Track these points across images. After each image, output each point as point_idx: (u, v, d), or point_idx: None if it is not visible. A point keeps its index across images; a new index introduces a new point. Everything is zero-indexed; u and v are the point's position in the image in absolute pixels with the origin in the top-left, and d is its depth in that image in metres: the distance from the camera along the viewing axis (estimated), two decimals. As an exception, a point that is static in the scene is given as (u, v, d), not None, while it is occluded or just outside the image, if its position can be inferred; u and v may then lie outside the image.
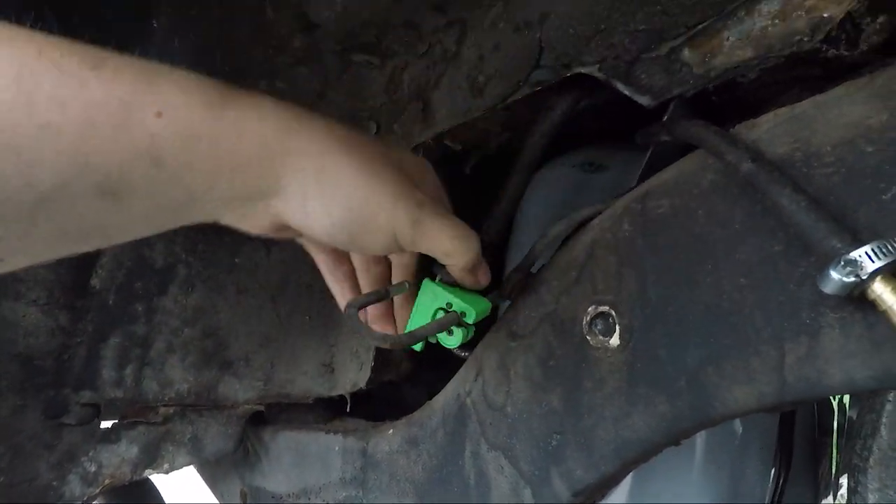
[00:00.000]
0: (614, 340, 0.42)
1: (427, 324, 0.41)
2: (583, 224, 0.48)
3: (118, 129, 0.28)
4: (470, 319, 0.43)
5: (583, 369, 0.44)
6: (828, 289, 0.29)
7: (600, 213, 0.47)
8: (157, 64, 0.31)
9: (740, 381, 0.35)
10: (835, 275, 0.28)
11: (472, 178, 0.80)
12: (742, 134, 0.37)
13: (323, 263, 0.47)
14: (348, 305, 0.37)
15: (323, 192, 0.34)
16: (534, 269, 0.51)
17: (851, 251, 0.28)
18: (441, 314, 0.43)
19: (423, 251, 0.40)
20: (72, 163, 0.27)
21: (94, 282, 0.65)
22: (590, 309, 0.44)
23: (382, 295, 0.42)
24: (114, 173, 0.28)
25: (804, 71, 0.43)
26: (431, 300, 0.44)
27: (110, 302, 0.64)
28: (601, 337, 0.43)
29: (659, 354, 0.39)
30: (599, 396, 0.43)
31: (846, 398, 0.90)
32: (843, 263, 0.27)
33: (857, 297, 0.29)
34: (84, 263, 0.64)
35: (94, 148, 0.27)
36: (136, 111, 0.28)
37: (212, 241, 0.68)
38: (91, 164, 0.27)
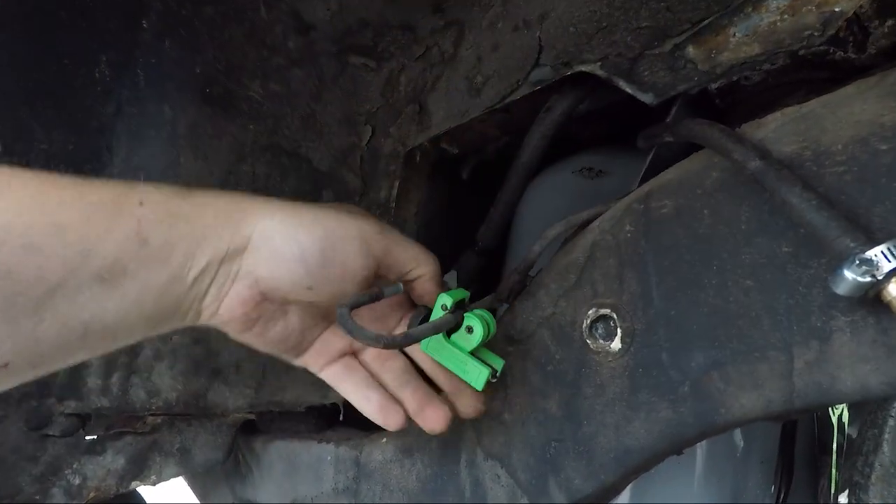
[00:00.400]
0: (615, 344, 0.41)
1: (424, 325, 0.39)
2: (582, 226, 0.47)
3: (111, 218, 0.33)
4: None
5: (582, 374, 0.42)
6: (841, 289, 0.27)
7: (600, 214, 0.46)
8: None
9: (747, 387, 0.34)
10: (849, 274, 0.27)
11: (469, 185, 0.79)
12: (748, 133, 0.36)
13: (337, 379, 0.46)
14: (339, 305, 0.36)
15: (285, 228, 0.38)
16: (532, 273, 0.49)
17: (867, 250, 0.27)
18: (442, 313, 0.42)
19: (393, 260, 0.41)
20: (77, 252, 0.32)
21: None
22: (590, 312, 0.43)
23: (377, 295, 0.40)
24: (110, 256, 0.33)
25: (810, 73, 0.43)
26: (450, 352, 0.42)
27: (97, 307, 0.62)
28: (602, 341, 0.42)
29: (662, 359, 0.38)
30: (600, 403, 0.41)
31: (846, 416, 0.89)
32: (857, 263, 0.26)
33: (871, 300, 0.28)
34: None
35: (94, 237, 0.32)
36: (124, 203, 0.34)
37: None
38: (92, 252, 0.32)
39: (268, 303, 0.39)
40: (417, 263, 0.42)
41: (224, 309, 0.38)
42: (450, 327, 0.42)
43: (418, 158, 0.69)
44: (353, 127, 0.71)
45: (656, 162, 0.53)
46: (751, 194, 0.35)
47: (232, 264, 0.37)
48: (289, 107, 0.68)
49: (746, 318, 0.34)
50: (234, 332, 0.41)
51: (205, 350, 0.64)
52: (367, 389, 0.44)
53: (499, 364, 0.43)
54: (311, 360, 0.45)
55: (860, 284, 0.26)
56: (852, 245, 0.27)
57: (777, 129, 0.35)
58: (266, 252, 0.37)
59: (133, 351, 0.62)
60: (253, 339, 0.42)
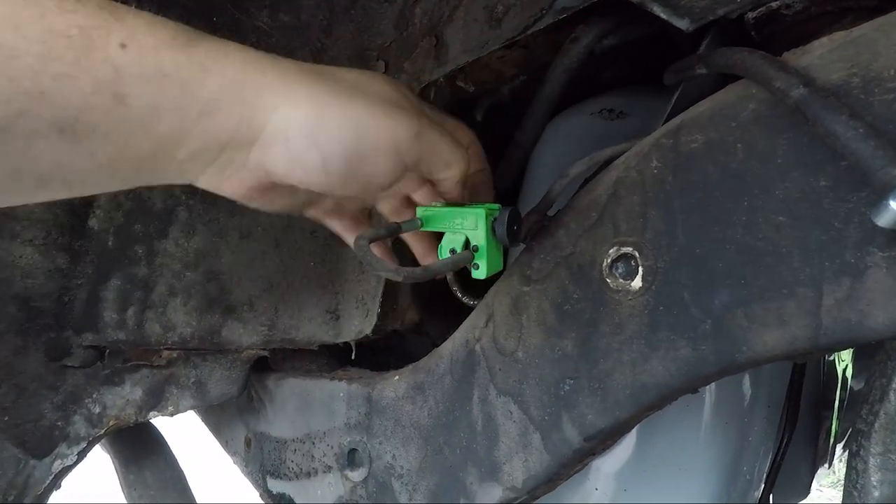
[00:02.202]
0: (636, 283, 0.40)
1: (442, 259, 0.39)
2: (606, 164, 0.45)
3: (78, 58, 0.26)
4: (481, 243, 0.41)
5: (601, 313, 0.42)
6: (882, 221, 0.26)
7: (624, 152, 0.44)
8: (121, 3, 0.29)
9: (771, 324, 0.34)
10: (894, 204, 0.25)
11: (483, 126, 0.76)
12: (792, 60, 0.34)
13: (346, 231, 0.44)
14: (358, 237, 0.35)
15: (306, 128, 0.31)
16: (551, 212, 0.48)
17: (914, 179, 0.25)
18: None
19: (424, 165, 0.37)
20: (28, 91, 0.25)
21: (92, 223, 0.62)
22: (611, 251, 0.42)
23: (394, 230, 0.39)
24: (72, 107, 0.26)
25: (858, 0, 0.40)
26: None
27: (109, 244, 0.62)
28: (622, 280, 0.41)
29: (684, 297, 0.38)
30: (617, 341, 0.41)
31: (849, 371, 0.89)
32: (905, 192, 0.25)
33: (914, 233, 0.27)
34: (80, 203, 0.62)
35: (52, 77, 0.25)
36: (99, 40, 0.26)
37: (213, 182, 0.65)
38: (48, 96, 0.25)
39: (279, 187, 0.36)
40: (447, 166, 0.39)
41: (225, 187, 0.34)
42: (469, 262, 0.41)
43: (433, 96, 0.67)
44: (364, 62, 0.68)
45: (683, 99, 0.51)
46: (790, 127, 0.33)
47: (236, 153, 0.32)
48: (298, 40, 0.65)
49: (776, 255, 0.33)
50: (235, 199, 0.37)
51: (218, 287, 0.64)
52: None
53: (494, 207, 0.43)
54: (319, 214, 0.44)
55: (905, 215, 0.25)
56: (900, 174, 0.26)
57: (823, 55, 0.33)
58: (281, 152, 0.32)
59: (147, 286, 0.62)
60: (257, 206, 0.38)
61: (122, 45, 0.27)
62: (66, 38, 0.25)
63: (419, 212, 0.43)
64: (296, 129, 0.31)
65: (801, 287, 0.32)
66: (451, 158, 0.38)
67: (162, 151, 0.30)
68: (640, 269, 0.40)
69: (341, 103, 0.32)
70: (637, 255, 0.40)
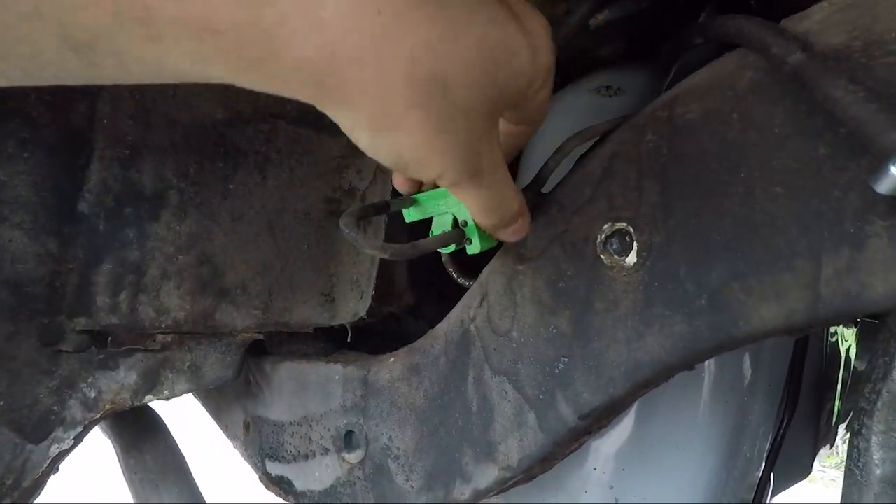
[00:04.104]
0: (631, 258, 0.39)
1: (432, 237, 0.38)
2: (601, 139, 0.44)
3: None
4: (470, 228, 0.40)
5: (595, 290, 0.41)
6: (883, 188, 0.25)
7: (619, 126, 0.43)
8: None
9: (769, 298, 0.33)
10: (895, 171, 0.24)
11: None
12: (790, 26, 0.33)
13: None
14: (345, 214, 0.34)
15: (376, 137, 0.27)
16: (545, 189, 0.47)
17: (916, 143, 0.24)
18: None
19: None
20: (34, 9, 0.20)
21: (82, 206, 0.61)
22: (605, 227, 0.41)
23: (382, 207, 0.38)
24: (82, 27, 0.21)
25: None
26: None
27: (100, 227, 0.61)
28: (616, 256, 0.40)
29: (679, 272, 0.37)
30: (612, 318, 0.40)
31: (853, 351, 0.89)
32: (906, 155, 0.24)
33: (915, 199, 0.26)
34: (68, 187, 0.61)
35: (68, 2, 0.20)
36: None
37: (203, 165, 0.65)
38: (62, 21, 0.21)
39: None
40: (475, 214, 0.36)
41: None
42: (459, 240, 0.40)
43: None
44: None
45: (682, 72, 0.50)
46: (787, 95, 0.32)
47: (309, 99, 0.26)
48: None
49: (773, 227, 0.32)
50: None
51: (211, 270, 0.63)
52: None
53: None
54: None
55: (907, 180, 0.24)
56: (901, 139, 0.25)
57: (823, 19, 0.32)
58: (354, 131, 0.27)
59: (139, 270, 0.62)
60: None
61: None
62: None
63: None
64: (367, 129, 0.26)
65: (799, 259, 0.31)
66: (481, 217, 0.35)
67: (203, 74, 0.24)
68: (635, 244, 0.39)
69: (412, 137, 0.27)
70: (632, 230, 0.39)
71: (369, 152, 0.28)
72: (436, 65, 0.24)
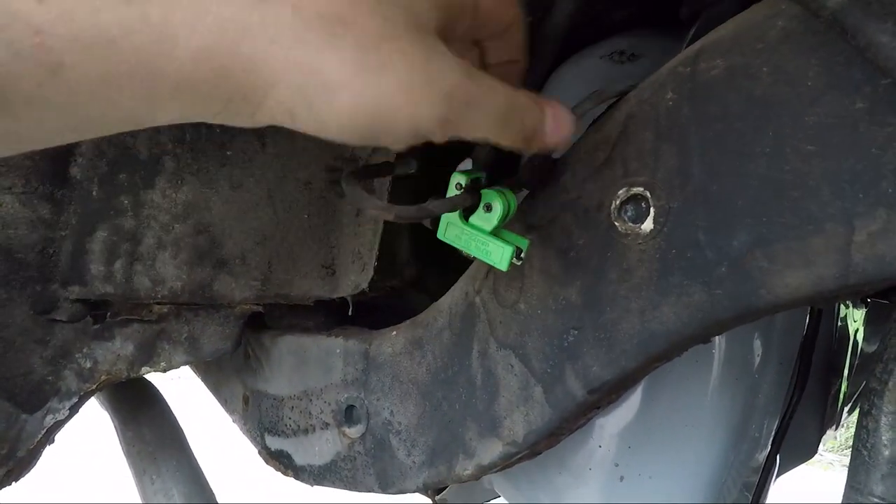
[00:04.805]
0: (647, 225, 0.37)
1: (440, 199, 0.36)
2: (617, 100, 0.42)
3: None
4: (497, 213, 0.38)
5: (608, 259, 0.39)
6: (932, 140, 0.23)
7: (636, 87, 0.41)
8: None
9: (795, 264, 0.31)
10: (947, 118, 0.22)
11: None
12: (827, -31, 0.30)
13: None
14: (346, 172, 0.32)
15: (317, 97, 0.24)
16: (556, 155, 0.45)
17: (973, 87, 0.22)
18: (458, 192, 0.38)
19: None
20: None
21: (74, 171, 0.60)
22: (620, 192, 0.39)
23: (385, 168, 0.37)
24: None
25: None
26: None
27: (94, 193, 0.59)
28: (631, 223, 0.38)
29: (698, 239, 0.35)
30: (625, 287, 0.38)
31: (860, 334, 0.87)
32: (963, 100, 0.22)
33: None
34: (60, 150, 0.59)
35: None
36: None
37: (200, 131, 0.62)
38: None
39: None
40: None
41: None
42: (467, 204, 0.38)
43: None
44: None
45: (703, 31, 0.47)
46: (824, 44, 0.30)
47: (241, 110, 0.25)
48: None
49: (803, 189, 0.30)
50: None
51: (208, 240, 0.62)
52: None
53: (523, 244, 0.40)
54: None
55: (960, 130, 0.22)
56: (955, 85, 0.23)
57: (866, -39, 0.29)
58: (300, 106, 0.24)
59: (134, 238, 0.60)
60: None
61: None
62: None
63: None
64: (313, 96, 0.24)
65: (830, 222, 0.29)
66: (491, 133, 0.29)
67: (130, 119, 0.24)
68: (652, 210, 0.37)
69: (355, 82, 0.24)
70: (648, 195, 0.37)
71: (331, 133, 0.25)
72: (320, 4, 0.22)
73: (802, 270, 0.31)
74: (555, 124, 0.32)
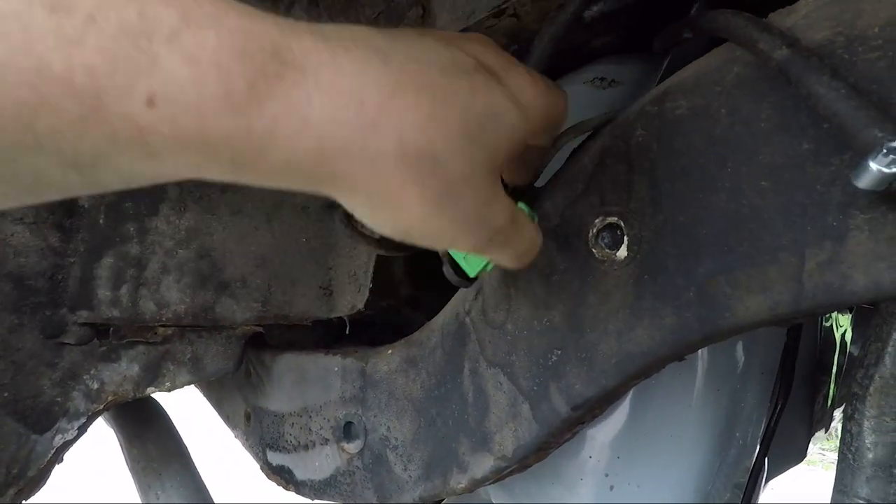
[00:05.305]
0: (621, 252, 0.40)
1: None
2: (593, 132, 0.45)
3: (83, 115, 0.20)
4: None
5: (587, 284, 0.42)
6: (863, 182, 0.26)
7: (611, 120, 0.43)
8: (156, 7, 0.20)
9: (754, 290, 0.34)
10: (874, 166, 0.25)
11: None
12: (777, 21, 0.33)
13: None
14: (341, 210, 0.35)
15: (384, 214, 0.27)
16: (539, 184, 0.48)
17: (895, 140, 0.25)
18: None
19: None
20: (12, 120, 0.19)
21: (83, 200, 0.62)
22: (596, 221, 0.42)
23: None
24: (81, 153, 0.21)
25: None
26: None
27: (101, 221, 0.62)
28: (608, 250, 0.41)
29: (668, 265, 0.37)
30: (603, 311, 0.41)
31: (848, 335, 0.89)
32: (885, 152, 0.25)
33: (894, 195, 0.27)
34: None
35: (45, 121, 0.19)
36: (112, 96, 0.20)
37: (202, 159, 0.65)
38: (41, 137, 0.20)
39: None
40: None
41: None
42: None
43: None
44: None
45: (672, 67, 0.50)
46: (773, 90, 0.33)
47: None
48: (281, 14, 0.64)
49: (759, 221, 0.33)
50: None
51: (210, 264, 0.64)
52: None
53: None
54: None
55: (885, 176, 0.25)
56: (880, 135, 0.26)
57: (808, 14, 0.32)
58: (363, 214, 0.29)
59: (140, 264, 0.62)
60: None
61: (150, 102, 0.20)
62: (62, 82, 0.19)
63: None
64: (373, 213, 0.27)
65: (783, 252, 0.32)
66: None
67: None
68: (626, 238, 0.40)
69: (410, 215, 0.27)
70: (622, 224, 0.40)
71: (377, 229, 0.28)
72: (423, 143, 0.25)
73: (761, 296, 0.33)
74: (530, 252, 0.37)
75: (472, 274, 0.40)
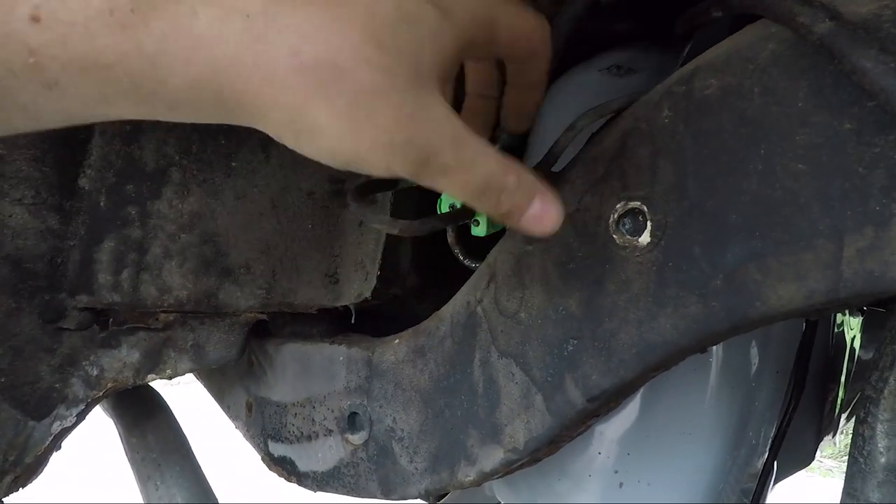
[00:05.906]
0: (644, 238, 0.38)
1: (441, 213, 0.37)
2: (614, 115, 0.43)
3: None
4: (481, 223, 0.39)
5: (606, 271, 0.40)
6: (914, 162, 0.24)
7: (634, 102, 0.42)
8: None
9: (787, 278, 0.32)
10: (928, 143, 0.23)
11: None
12: (816, -5, 0.32)
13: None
14: (352, 188, 0.33)
15: (302, 135, 0.25)
16: (556, 168, 0.46)
17: (952, 114, 0.23)
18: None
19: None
20: None
21: (83, 182, 0.61)
22: (618, 206, 0.40)
23: (391, 185, 0.38)
24: None
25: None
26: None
27: (101, 204, 0.61)
28: (629, 236, 0.39)
29: (693, 252, 0.36)
30: (623, 299, 0.39)
31: (857, 342, 0.88)
32: (941, 127, 0.23)
33: (946, 175, 0.25)
34: (69, 162, 0.60)
35: None
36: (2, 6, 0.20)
37: (206, 143, 0.63)
38: None
39: None
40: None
41: None
42: (468, 219, 0.40)
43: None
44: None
45: (697, 50, 0.48)
46: (812, 67, 0.31)
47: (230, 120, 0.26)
48: None
49: (794, 206, 0.32)
50: None
51: (214, 250, 0.63)
52: None
53: None
54: None
55: (940, 154, 0.23)
56: (935, 110, 0.24)
57: (853, -12, 0.30)
58: (287, 133, 0.26)
59: (141, 248, 0.61)
60: None
61: (35, 18, 0.20)
62: None
63: None
64: (298, 132, 0.25)
65: (820, 238, 0.31)
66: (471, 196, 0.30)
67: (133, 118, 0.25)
68: (649, 224, 0.38)
69: (335, 129, 0.25)
70: (645, 209, 0.38)
71: (312, 157, 0.26)
72: (321, 51, 0.23)
73: (794, 284, 0.32)
74: (540, 214, 0.32)
75: (484, 232, 0.38)
